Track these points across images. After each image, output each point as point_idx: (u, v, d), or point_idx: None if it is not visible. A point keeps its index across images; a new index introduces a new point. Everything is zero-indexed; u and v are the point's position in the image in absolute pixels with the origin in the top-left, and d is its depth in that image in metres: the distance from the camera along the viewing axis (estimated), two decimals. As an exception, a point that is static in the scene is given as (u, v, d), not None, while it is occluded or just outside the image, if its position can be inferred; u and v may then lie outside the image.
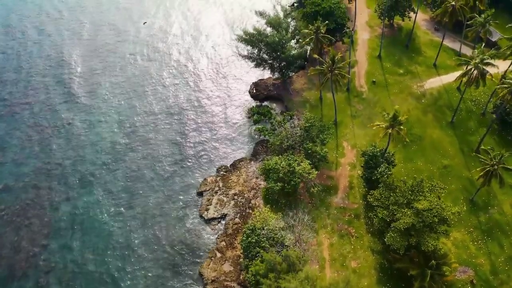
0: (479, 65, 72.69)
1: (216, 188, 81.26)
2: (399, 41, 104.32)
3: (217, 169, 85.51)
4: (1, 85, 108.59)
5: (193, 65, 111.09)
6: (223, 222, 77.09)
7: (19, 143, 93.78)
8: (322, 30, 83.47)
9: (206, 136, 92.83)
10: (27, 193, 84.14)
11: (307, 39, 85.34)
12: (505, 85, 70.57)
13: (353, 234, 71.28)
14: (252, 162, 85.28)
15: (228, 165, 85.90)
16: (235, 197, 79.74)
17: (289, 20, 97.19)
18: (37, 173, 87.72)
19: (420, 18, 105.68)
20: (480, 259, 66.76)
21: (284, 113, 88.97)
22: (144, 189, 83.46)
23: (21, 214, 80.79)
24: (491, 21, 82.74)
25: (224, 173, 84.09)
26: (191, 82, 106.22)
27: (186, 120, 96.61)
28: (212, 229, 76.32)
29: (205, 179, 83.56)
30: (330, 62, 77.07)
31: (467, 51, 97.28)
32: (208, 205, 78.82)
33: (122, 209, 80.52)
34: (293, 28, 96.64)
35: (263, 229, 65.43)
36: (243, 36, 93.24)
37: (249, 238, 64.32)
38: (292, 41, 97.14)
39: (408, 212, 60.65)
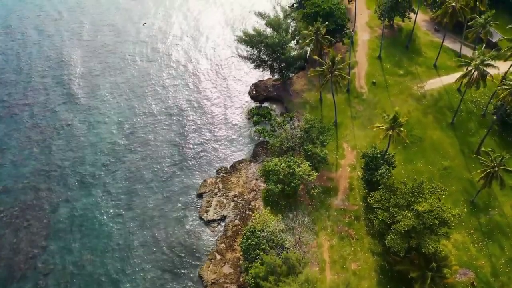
0: (479, 66, 72.45)
1: (216, 190, 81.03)
2: (399, 42, 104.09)
3: (216, 171, 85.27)
4: (0, 86, 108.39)
5: (193, 66, 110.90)
6: (222, 224, 76.83)
7: (18, 144, 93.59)
8: (322, 31, 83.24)
9: (205, 137, 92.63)
10: (26, 194, 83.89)
11: (307, 40, 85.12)
12: (505, 87, 70.32)
13: (353, 236, 71.04)
14: (252, 163, 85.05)
15: (228, 167, 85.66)
16: (235, 198, 79.50)
17: (289, 21, 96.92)
18: (36, 174, 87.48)
19: (420, 19, 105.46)
20: (480, 261, 66.52)
21: (284, 115, 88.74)
22: (143, 191, 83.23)
23: (20, 215, 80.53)
24: (491, 22, 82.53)
25: (224, 175, 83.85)
26: (191, 83, 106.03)
27: (185, 121, 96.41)
28: (211, 231, 76.08)
29: (204, 180, 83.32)
30: (330, 63, 76.85)
31: (467, 52, 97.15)
32: (208, 207, 78.59)
33: (121, 210, 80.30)
34: (293, 29, 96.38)
35: (263, 231, 65.21)
36: (243, 37, 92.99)
37: (249, 240, 64.11)
38: (292, 42, 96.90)
39: (409, 214, 60.42)
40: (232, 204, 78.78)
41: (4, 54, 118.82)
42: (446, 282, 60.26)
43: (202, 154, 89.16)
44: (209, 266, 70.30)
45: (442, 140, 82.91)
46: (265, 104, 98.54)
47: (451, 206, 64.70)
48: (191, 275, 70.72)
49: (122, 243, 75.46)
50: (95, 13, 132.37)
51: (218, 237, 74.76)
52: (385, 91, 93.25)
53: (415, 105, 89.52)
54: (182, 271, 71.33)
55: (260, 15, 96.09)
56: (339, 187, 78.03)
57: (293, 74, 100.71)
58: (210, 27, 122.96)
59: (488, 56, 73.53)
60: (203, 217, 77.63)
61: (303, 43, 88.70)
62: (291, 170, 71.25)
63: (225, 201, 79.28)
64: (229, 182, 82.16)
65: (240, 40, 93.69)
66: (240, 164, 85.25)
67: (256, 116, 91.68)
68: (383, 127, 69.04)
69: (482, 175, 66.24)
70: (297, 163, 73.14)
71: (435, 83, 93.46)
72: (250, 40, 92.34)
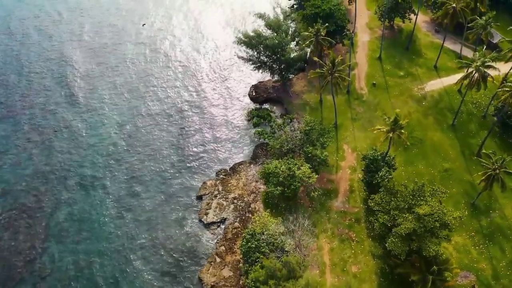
0: (480, 68, 72.11)
1: (216, 192, 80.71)
2: (399, 43, 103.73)
3: (216, 173, 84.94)
4: (0, 87, 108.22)
5: (193, 67, 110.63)
6: (222, 226, 76.55)
7: (18, 146, 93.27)
8: (322, 33, 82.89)
9: (205, 139, 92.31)
10: (25, 196, 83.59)
11: (307, 42, 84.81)
12: (506, 88, 70.01)
13: (353, 238, 70.73)
14: (252, 165, 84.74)
15: (228, 169, 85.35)
16: (235, 201, 79.18)
17: (288, 22, 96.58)
18: (36, 176, 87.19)
19: (420, 20, 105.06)
20: (481, 264, 66.22)
21: (284, 116, 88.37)
22: (143, 193, 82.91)
23: (19, 217, 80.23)
24: (492, 23, 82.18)
25: (224, 177, 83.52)
26: (191, 85, 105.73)
27: (185, 122, 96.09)
28: (211, 234, 75.78)
29: (204, 182, 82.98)
30: (330, 65, 76.52)
31: (467, 53, 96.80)
32: (208, 209, 78.27)
33: (120, 212, 79.96)
34: (292, 30, 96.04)
35: (263, 234, 64.88)
36: (243, 39, 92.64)
37: (249, 243, 63.78)
38: (292, 43, 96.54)
39: (409, 217, 60.11)
40: (232, 206, 78.46)
41: (4, 54, 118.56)
42: (447, 285, 59.87)
43: (202, 155, 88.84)
44: (208, 269, 69.98)
45: (442, 142, 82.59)
46: (265, 106, 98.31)
47: (452, 209, 64.36)
48: (191, 278, 70.42)
49: (121, 246, 75.13)
50: (95, 13, 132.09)
51: (217, 240, 74.43)
52: (386, 93, 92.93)
53: (415, 107, 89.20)
54: (182, 273, 71.01)
55: (260, 16, 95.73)
56: (339, 189, 77.71)
57: (293, 76, 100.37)
58: (210, 28, 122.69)
59: (489, 57, 73.18)
60: (202, 219, 77.30)
61: (303, 45, 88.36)
62: (291, 173, 70.91)
63: (224, 203, 78.96)
64: (229, 184, 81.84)
65: (240, 42, 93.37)
66: (240, 166, 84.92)
67: (256, 118, 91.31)
68: (384, 129, 68.69)
69: (483, 177, 65.97)
70: (297, 165, 72.80)
71: (435, 85, 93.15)
72: (250, 41, 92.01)
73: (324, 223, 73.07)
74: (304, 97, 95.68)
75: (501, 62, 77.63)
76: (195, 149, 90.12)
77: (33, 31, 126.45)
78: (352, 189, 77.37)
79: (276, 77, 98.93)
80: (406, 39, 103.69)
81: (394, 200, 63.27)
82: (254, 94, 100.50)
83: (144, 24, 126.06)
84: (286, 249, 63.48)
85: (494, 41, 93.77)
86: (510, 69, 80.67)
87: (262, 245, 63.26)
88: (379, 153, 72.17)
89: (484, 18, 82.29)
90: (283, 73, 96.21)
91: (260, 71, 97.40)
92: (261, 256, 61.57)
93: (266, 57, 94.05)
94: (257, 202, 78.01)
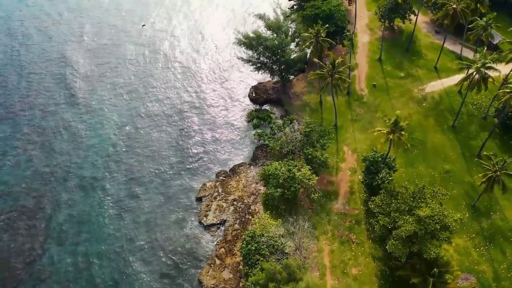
0: (481, 69, 71.87)
1: (215, 194, 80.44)
2: (399, 44, 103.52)
3: (216, 174, 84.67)
4: (0, 87, 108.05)
5: (193, 68, 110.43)
6: (222, 228, 76.24)
7: (17, 146, 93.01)
8: (322, 34, 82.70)
9: (205, 140, 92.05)
10: (25, 197, 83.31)
11: (307, 43, 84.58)
12: (507, 90, 69.77)
13: (354, 240, 70.49)
14: (252, 167, 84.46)
15: (228, 170, 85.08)
16: (235, 202, 78.92)
17: (288, 23, 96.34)
18: (36, 177, 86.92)
19: (420, 21, 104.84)
20: (482, 266, 65.99)
21: (284, 118, 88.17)
22: (142, 194, 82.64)
23: (19, 219, 79.93)
24: (492, 24, 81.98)
25: (224, 178, 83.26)
26: (191, 86, 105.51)
27: (185, 124, 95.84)
28: (211, 235, 75.48)
29: (204, 184, 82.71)
30: (330, 66, 76.29)
31: (468, 53, 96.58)
32: (207, 211, 78.00)
33: (120, 214, 79.68)
34: (292, 31, 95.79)
35: (263, 236, 64.63)
36: (243, 40, 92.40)
37: (249, 246, 63.55)
38: (292, 44, 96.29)
39: (410, 219, 59.89)
40: (232, 208, 78.21)
41: (4, 55, 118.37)
42: (448, 288, 59.75)
43: (201, 157, 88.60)
44: (208, 271, 69.70)
45: (443, 143, 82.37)
46: (265, 107, 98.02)
47: (453, 211, 64.03)
48: (190, 280, 70.11)
49: (121, 247, 74.85)
50: (95, 14, 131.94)
51: (217, 242, 74.15)
52: (386, 94, 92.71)
53: (416, 108, 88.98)
54: (181, 276, 70.72)
55: (260, 17, 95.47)
56: (339, 190, 77.47)
57: (293, 77, 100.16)
58: (210, 28, 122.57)
59: (490, 59, 72.96)
60: (202, 221, 77.02)
61: (303, 46, 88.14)
62: (291, 174, 70.67)
63: (224, 205, 78.69)
64: (229, 186, 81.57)
65: (240, 43, 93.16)
66: (240, 168, 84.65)
67: (256, 119, 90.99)
68: (384, 131, 68.44)
69: (484, 179, 65.70)
70: (297, 167, 72.58)
71: (436, 86, 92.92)
72: (250, 42, 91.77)
73: (324, 225, 72.83)
74: (304, 98, 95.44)
75: (501, 63, 77.44)
76: (194, 151, 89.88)
77: (33, 32, 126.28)
78: (352, 191, 77.13)
79: (276, 78, 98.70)
80: (406, 40, 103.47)
81: (395, 202, 63.06)
82: (254, 95, 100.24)
83: (144, 25, 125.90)
84: (286, 251, 63.27)
85: (495, 42, 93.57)
86: (510, 71, 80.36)
87: (262, 247, 63.03)
88: (379, 155, 71.95)
89: (484, 19, 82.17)
90: (283, 74, 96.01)
91: (260, 72, 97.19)
92: (261, 259, 61.34)
93: (266, 58, 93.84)
94: (257, 204, 77.76)
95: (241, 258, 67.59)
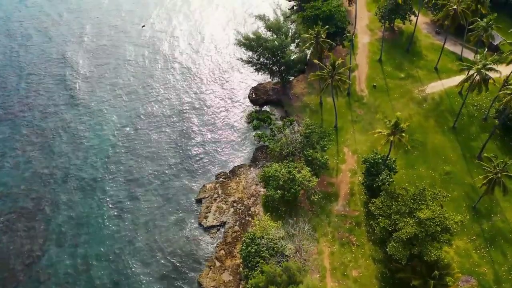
0: (481, 70, 71.64)
1: (215, 195, 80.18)
2: (399, 45, 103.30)
3: (216, 176, 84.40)
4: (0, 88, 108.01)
5: (192, 69, 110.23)
6: (222, 230, 75.95)
7: (17, 148, 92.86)
8: (322, 35, 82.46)
9: (205, 141, 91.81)
10: (25, 199, 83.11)
11: (307, 44, 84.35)
12: (508, 91, 69.53)
13: (354, 242, 70.24)
14: (252, 168, 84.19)
15: (228, 172, 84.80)
16: (235, 204, 78.65)
17: (289, 24, 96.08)
18: (35, 178, 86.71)
19: (421, 21, 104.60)
20: (483, 268, 65.72)
21: (284, 119, 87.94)
22: (142, 196, 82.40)
23: (18, 221, 79.67)
24: (493, 25, 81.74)
25: (223, 180, 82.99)
26: (190, 87, 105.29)
27: (184, 125, 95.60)
28: (211, 237, 75.21)
29: (204, 185, 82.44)
30: (331, 67, 76.06)
31: (468, 54, 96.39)
32: (207, 213, 77.76)
33: (119, 215, 79.45)
34: (292, 32, 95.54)
35: (263, 238, 64.39)
36: (243, 41, 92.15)
37: (249, 248, 63.36)
38: (292, 45, 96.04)
39: (410, 222, 59.64)
40: (232, 209, 77.95)
41: (4, 56, 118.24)
42: (449, 290, 59.47)
43: (201, 158, 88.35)
44: (208, 273, 69.45)
45: (443, 145, 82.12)
46: (265, 108, 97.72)
47: (453, 213, 63.79)
48: (190, 282, 69.84)
49: (120, 249, 74.61)
50: (95, 15, 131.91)
51: (217, 244, 73.87)
52: (386, 95, 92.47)
53: (416, 109, 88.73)
54: (181, 278, 70.48)
55: (260, 18, 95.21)
56: (339, 192, 77.23)
57: (293, 78, 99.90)
58: (211, 29, 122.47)
59: (490, 60, 72.75)
60: (202, 223, 76.75)
61: (303, 47, 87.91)
62: (291, 176, 70.44)
63: (224, 206, 78.45)
64: (229, 187, 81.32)
65: (240, 44, 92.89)
66: (240, 169, 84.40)
67: (256, 121, 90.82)
68: (385, 133, 68.20)
69: (485, 181, 65.43)
70: (297, 169, 72.35)
71: (436, 87, 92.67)
72: (250, 43, 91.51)
73: (324, 227, 72.59)
74: (304, 99, 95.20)
75: (502, 64, 77.24)
76: (194, 152, 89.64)
77: (32, 32, 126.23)
78: (352, 192, 76.89)
79: (276, 79, 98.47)
80: (407, 40, 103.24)
81: (395, 204, 62.81)
82: (254, 96, 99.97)
83: (144, 26, 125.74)
84: (286, 253, 63.01)
85: (495, 43, 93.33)
86: (511, 72, 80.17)
87: (262, 249, 62.83)
88: (379, 156, 71.71)
89: (485, 20, 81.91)
90: (283, 75, 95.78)
91: (260, 73, 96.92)
92: (261, 261, 61.13)
93: (266, 59, 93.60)
94: (257, 206, 77.51)
95: (241, 260, 67.38)
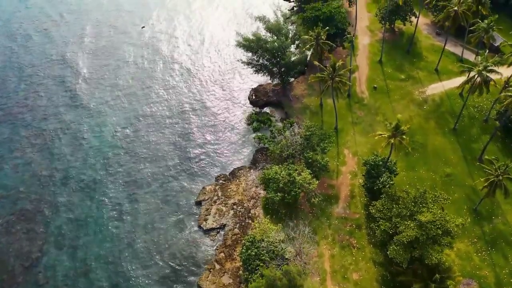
0: (482, 72, 71.33)
1: (215, 197, 79.83)
2: (400, 46, 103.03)
3: (216, 178, 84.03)
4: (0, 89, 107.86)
5: (192, 71, 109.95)
6: (222, 232, 75.57)
7: (17, 149, 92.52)
8: (322, 36, 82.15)
9: (204, 143, 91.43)
10: (24, 200, 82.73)
11: (308, 45, 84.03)
12: (509, 93, 69.22)
13: (354, 245, 69.88)
14: (252, 170, 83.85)
15: (227, 174, 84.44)
16: (234, 206, 78.30)
17: (289, 25, 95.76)
18: (35, 179, 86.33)
19: (421, 22, 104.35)
20: (484, 271, 65.35)
21: (284, 121, 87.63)
22: (142, 198, 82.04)
23: (18, 222, 79.26)
24: (494, 27, 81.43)
25: (223, 182, 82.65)
26: (190, 88, 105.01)
27: (184, 127, 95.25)
28: (210, 240, 74.81)
29: (203, 188, 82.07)
30: (331, 69, 75.74)
31: (469, 56, 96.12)
32: (207, 215, 77.39)
33: (119, 218, 79.07)
34: (293, 33, 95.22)
35: (263, 241, 64.03)
36: (242, 42, 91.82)
37: (249, 251, 62.96)
38: (292, 46, 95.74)
39: (411, 225, 59.34)
40: (232, 212, 77.59)
41: (4, 56, 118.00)
42: (449, 293, 59.11)
43: (201, 160, 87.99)
44: (208, 276, 69.08)
45: (444, 146, 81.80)
46: (265, 109, 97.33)
47: (454, 216, 63.51)
48: (190, 285, 69.44)
49: (120, 252, 74.21)
50: (96, 15, 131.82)
51: (217, 246, 73.48)
52: (386, 96, 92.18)
53: (416, 111, 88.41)
54: (180, 281, 70.07)
55: (260, 19, 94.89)
56: (340, 194, 76.88)
57: (293, 79, 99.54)
58: (211, 30, 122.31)
59: (491, 62, 72.42)
60: (202, 225, 76.38)
61: (304, 48, 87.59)
62: (291, 178, 70.09)
63: (224, 209, 78.09)
64: (229, 190, 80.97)
65: (240, 45, 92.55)
66: (240, 171, 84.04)
67: (256, 122, 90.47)
68: (385, 135, 67.87)
69: (486, 184, 65.12)
70: (297, 171, 72.01)
71: (436, 88, 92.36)
72: (250, 45, 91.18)
73: (324, 229, 72.24)
74: (304, 101, 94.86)
75: (503, 66, 76.92)
76: (194, 154, 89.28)
77: (32, 33, 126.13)
78: (353, 195, 76.55)
79: (276, 81, 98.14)
80: (407, 42, 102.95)
81: (396, 207, 62.53)
82: (254, 97, 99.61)
83: (144, 27, 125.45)
84: (287, 257, 62.68)
85: (496, 44, 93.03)
86: (512, 74, 79.91)
87: (262, 252, 62.46)
88: (380, 159, 71.37)
89: (486, 21, 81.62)
90: (283, 76, 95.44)
91: (260, 74, 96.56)
92: (261, 264, 60.77)
93: (266, 61, 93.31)
94: (257, 208, 77.15)
95: (241, 263, 67.01)
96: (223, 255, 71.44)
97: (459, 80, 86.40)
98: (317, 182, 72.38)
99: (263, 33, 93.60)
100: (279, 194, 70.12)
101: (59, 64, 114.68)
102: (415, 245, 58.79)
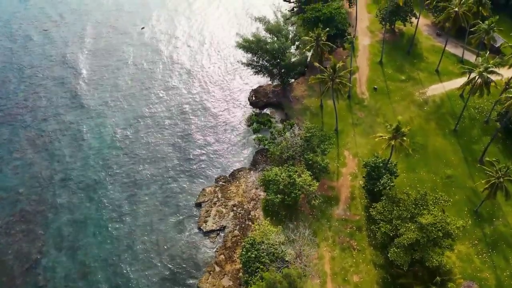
0: (483, 73, 71.05)
1: (215, 199, 79.58)
2: (400, 47, 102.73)
3: (216, 179, 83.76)
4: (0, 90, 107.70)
5: (192, 72, 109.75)
6: (222, 234, 75.31)
7: (16, 150, 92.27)
8: (323, 38, 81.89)
9: (204, 144, 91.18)
10: (24, 201, 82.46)
11: (308, 47, 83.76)
12: (510, 95, 68.97)
13: (355, 247, 69.62)
14: (252, 171, 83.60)
15: (227, 175, 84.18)
16: (234, 208, 78.04)
17: (289, 26, 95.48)
18: (34, 180, 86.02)
19: (422, 23, 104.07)
20: (485, 273, 65.09)
21: (284, 122, 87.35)
22: (141, 200, 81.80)
23: (17, 224, 78.97)
24: (495, 28, 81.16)
25: (223, 183, 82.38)
26: (190, 89, 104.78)
27: (184, 128, 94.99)
28: (210, 242, 74.55)
29: (203, 189, 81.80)
30: (331, 70, 75.48)
31: (469, 57, 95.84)
32: (207, 217, 77.14)
33: (118, 219, 78.85)
34: (293, 34, 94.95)
35: (263, 243, 63.76)
36: (242, 43, 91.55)
37: (249, 253, 62.67)
38: (292, 47, 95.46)
39: (412, 227, 59.09)
40: (232, 214, 77.34)
41: (4, 57, 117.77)
42: (450, 296, 58.86)
43: (201, 161, 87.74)
44: (207, 279, 68.81)
45: (445, 148, 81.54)
46: (265, 111, 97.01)
47: (455, 218, 63.22)
48: (190, 287, 69.21)
49: (119, 254, 73.96)
50: (96, 16, 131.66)
51: (217, 248, 73.24)
52: (387, 97, 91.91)
53: (417, 112, 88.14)
54: (180, 283, 69.79)
55: (260, 20, 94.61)
56: (340, 196, 76.62)
57: (293, 80, 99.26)
58: (211, 31, 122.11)
59: (492, 63, 72.10)
60: (201, 227, 76.11)
61: (304, 49, 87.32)
62: (291, 180, 69.82)
63: (224, 210, 77.83)
64: (228, 191, 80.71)
65: (240, 46, 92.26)
66: (240, 173, 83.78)
67: (256, 124, 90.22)
68: (386, 137, 67.59)
69: (487, 185, 64.86)
70: (297, 173, 71.73)
71: (437, 89, 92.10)
72: (250, 46, 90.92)
73: (325, 231, 71.97)
74: (304, 102, 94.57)
75: (504, 67, 76.60)
76: (194, 155, 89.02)
77: (32, 34, 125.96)
78: (353, 196, 76.29)
79: (276, 82, 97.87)
80: (408, 42, 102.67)
81: (396, 209, 62.27)
82: (254, 98, 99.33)
83: (143, 28, 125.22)
84: (287, 259, 62.39)
85: (497, 45, 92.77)
86: (513, 75, 79.61)
87: (262, 255, 62.17)
88: (380, 160, 71.10)
89: (487, 22, 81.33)
90: (283, 77, 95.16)
91: (260, 75, 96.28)
92: (261, 267, 60.51)
93: (266, 62, 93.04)
94: (257, 210, 76.88)
95: (241, 265, 66.75)
96: (223, 257, 71.19)
97: (459, 81, 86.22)
98: (317, 184, 72.13)
99: (263, 34, 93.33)
100: (279, 196, 69.88)
101: (59, 65, 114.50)
102: (416, 248, 58.56)
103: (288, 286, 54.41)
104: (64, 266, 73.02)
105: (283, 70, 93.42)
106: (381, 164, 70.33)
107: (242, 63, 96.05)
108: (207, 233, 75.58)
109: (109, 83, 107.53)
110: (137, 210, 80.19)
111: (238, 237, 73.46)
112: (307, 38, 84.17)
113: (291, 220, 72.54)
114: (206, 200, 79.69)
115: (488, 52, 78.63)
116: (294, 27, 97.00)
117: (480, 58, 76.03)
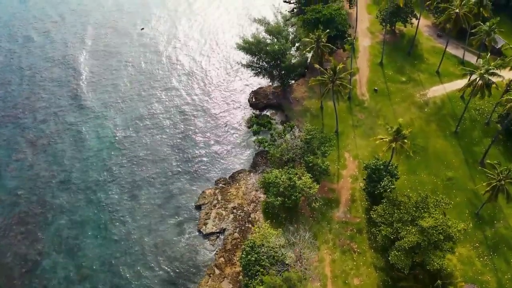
0: (484, 75, 70.75)
1: (215, 201, 79.26)
2: (401, 48, 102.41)
3: (215, 181, 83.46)
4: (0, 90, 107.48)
5: (192, 73, 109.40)
6: (221, 237, 75.00)
7: (16, 151, 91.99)
8: (323, 39, 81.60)
9: (204, 146, 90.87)
10: (23, 203, 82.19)
11: (308, 48, 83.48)
12: (511, 97, 68.68)
13: (355, 249, 69.32)
14: (252, 174, 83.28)
15: (227, 177, 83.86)
16: (234, 210, 77.73)
17: (289, 28, 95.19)
18: (33, 182, 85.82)
19: (422, 24, 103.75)
20: (486, 276, 64.79)
21: (285, 124, 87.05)
22: (141, 202, 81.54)
23: (16, 225, 78.74)
24: (496, 29, 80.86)
25: (223, 186, 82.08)
26: (189, 90, 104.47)
27: (184, 129, 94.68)
28: (210, 244, 74.22)
29: (203, 191, 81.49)
30: (332, 72, 75.19)
31: (470, 58, 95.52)
32: (207, 219, 76.84)
33: (118, 222, 78.57)
34: (293, 36, 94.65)
35: (263, 246, 63.46)
36: (242, 45, 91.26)
37: (249, 256, 62.37)
38: (292, 48, 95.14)
39: (413, 230, 58.80)
40: (231, 216, 77.03)
41: (4, 58, 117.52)
42: (451, 299, 58.61)
43: (201, 163, 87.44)
44: (207, 281, 68.51)
45: (445, 150, 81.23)
46: (265, 112, 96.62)
47: (456, 220, 62.93)
48: (189, 290, 69.10)
49: (118, 257, 73.68)
50: (96, 16, 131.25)
51: (217, 251, 72.89)
52: (387, 99, 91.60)
53: (417, 113, 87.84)
54: (180, 286, 69.51)
55: (260, 21, 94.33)
56: (340, 198, 76.31)
57: (294, 81, 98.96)
58: (211, 32, 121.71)
59: (493, 65, 71.82)
60: (201, 229, 75.80)
61: (304, 51, 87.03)
62: (291, 183, 69.54)
63: (224, 213, 77.53)
64: (228, 193, 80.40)
65: (240, 48, 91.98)
66: (240, 175, 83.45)
67: (256, 125, 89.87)
68: (386, 139, 67.30)
69: (488, 188, 64.57)
70: (297, 175, 71.44)
71: (438, 91, 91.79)
72: (250, 47, 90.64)
73: (325, 234, 71.68)
74: (304, 103, 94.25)
75: (505, 69, 76.28)
76: (193, 157, 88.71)
77: (32, 34, 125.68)
78: (353, 199, 75.99)
79: (276, 83, 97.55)
80: (408, 43, 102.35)
81: (397, 212, 62.00)
82: (254, 100, 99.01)
83: (143, 29, 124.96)
84: (287, 262, 62.11)
85: (498, 47, 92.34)
86: (514, 76, 79.35)
87: (262, 258, 61.88)
88: (381, 162, 70.80)
89: (488, 23, 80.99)
90: (284, 79, 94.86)
91: (260, 76, 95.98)
92: (261, 270, 60.21)
93: (266, 63, 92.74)
94: (257, 212, 76.58)
95: (240, 268, 66.47)
96: (223, 260, 70.90)
97: (460, 83, 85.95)
98: (317, 186, 71.79)
99: (263, 35, 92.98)
100: (279, 198, 69.58)
101: (58, 65, 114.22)
102: (417, 251, 58.28)
103: (288, 290, 54.17)
104: (63, 268, 72.83)
105: (283, 72, 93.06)
106: (381, 166, 70.04)
107: (242, 65, 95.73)
108: (207, 236, 75.26)
109: (109, 84, 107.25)
110: (137, 212, 79.93)
111: (238, 240, 73.16)
112: (307, 39, 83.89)
113: (291, 222, 72.25)
114: (206, 202, 79.40)
115: (489, 54, 78.30)
116: (294, 28, 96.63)
117: (481, 59, 75.72)
